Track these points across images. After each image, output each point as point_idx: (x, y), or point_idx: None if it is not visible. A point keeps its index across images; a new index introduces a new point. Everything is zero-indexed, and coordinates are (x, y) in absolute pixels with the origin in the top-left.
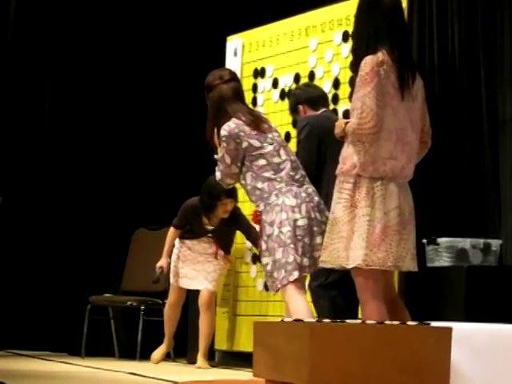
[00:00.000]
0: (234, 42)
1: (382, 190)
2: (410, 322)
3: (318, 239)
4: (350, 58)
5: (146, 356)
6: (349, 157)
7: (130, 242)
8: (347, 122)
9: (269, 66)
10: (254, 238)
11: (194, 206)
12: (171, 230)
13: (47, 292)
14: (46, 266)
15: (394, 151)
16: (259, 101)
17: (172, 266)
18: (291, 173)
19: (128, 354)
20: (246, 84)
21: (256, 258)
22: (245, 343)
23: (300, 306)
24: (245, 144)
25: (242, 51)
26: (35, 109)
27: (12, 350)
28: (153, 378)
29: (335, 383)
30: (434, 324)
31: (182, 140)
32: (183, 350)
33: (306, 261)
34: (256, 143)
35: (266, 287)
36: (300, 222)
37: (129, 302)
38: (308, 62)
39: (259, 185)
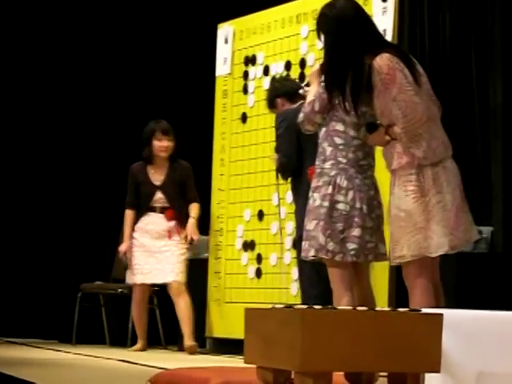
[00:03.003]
0: (224, 30)
1: (444, 173)
2: (400, 309)
3: (357, 231)
4: None
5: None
6: (403, 152)
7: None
8: (387, 130)
9: (260, 53)
10: (187, 198)
11: (138, 164)
12: (126, 212)
13: (38, 279)
14: (37, 254)
15: (439, 130)
16: (250, 88)
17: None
18: (359, 155)
19: (119, 341)
20: (237, 71)
21: (247, 246)
22: (236, 330)
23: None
24: (337, 101)
25: (233, 38)
26: (28, 100)
27: (3, 338)
28: (144, 365)
29: (327, 369)
30: (425, 310)
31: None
32: (174, 337)
33: (331, 245)
34: (346, 106)
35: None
36: (340, 206)
37: (120, 290)
38: (299, 50)
39: (325, 145)
